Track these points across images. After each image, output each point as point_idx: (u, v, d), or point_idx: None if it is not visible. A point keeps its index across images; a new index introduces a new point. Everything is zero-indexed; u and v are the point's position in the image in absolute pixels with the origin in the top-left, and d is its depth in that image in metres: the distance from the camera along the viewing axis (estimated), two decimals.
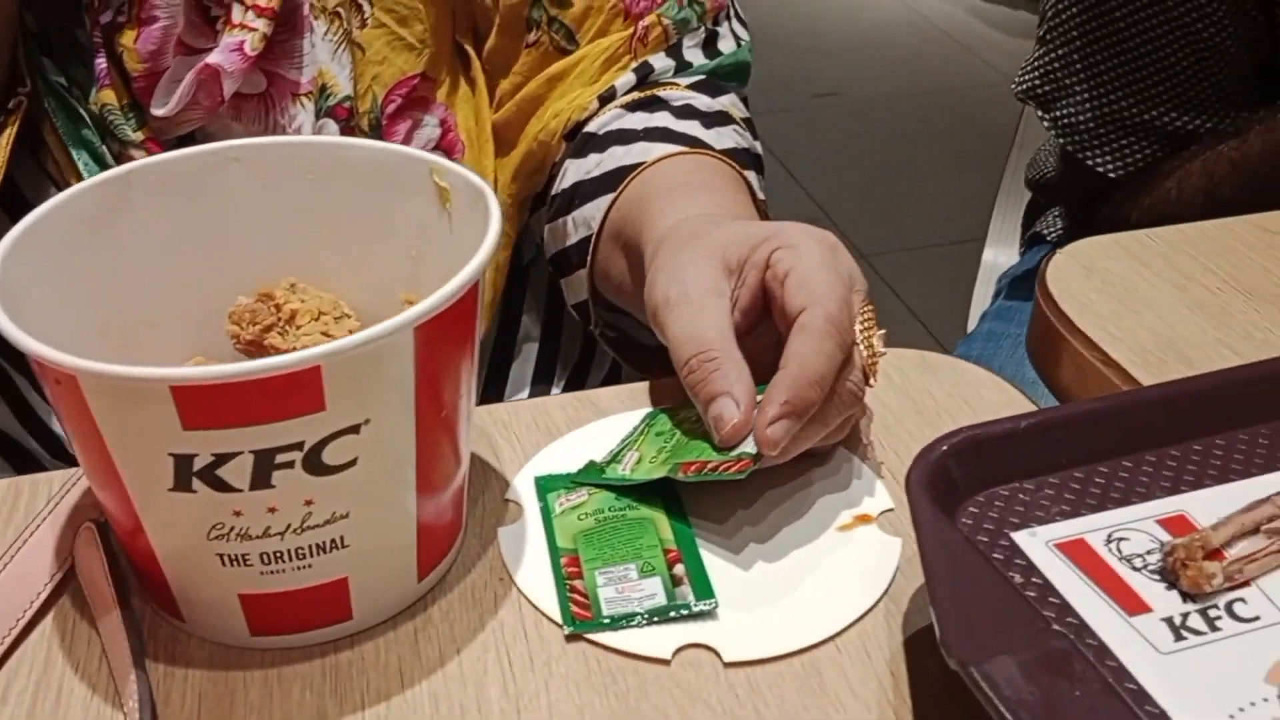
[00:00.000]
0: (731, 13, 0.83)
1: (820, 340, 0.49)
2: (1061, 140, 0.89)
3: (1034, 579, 0.43)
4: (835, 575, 0.49)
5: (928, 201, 2.62)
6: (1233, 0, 0.80)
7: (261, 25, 0.69)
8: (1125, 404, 0.49)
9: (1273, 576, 0.43)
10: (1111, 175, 0.87)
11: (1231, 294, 0.60)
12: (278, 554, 0.43)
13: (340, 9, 0.72)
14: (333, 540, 0.43)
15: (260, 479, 0.40)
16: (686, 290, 0.53)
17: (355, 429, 0.41)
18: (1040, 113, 0.90)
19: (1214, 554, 0.43)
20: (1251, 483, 0.47)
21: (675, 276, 0.54)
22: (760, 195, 0.74)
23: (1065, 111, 0.88)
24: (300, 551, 0.43)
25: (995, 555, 0.44)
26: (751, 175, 0.73)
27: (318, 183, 0.51)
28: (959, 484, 0.46)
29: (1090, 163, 0.88)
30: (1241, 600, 0.42)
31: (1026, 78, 0.90)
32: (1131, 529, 0.45)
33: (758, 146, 0.78)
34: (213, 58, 0.69)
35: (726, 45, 0.80)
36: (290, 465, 0.40)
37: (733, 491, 0.53)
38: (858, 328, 0.51)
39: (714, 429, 0.50)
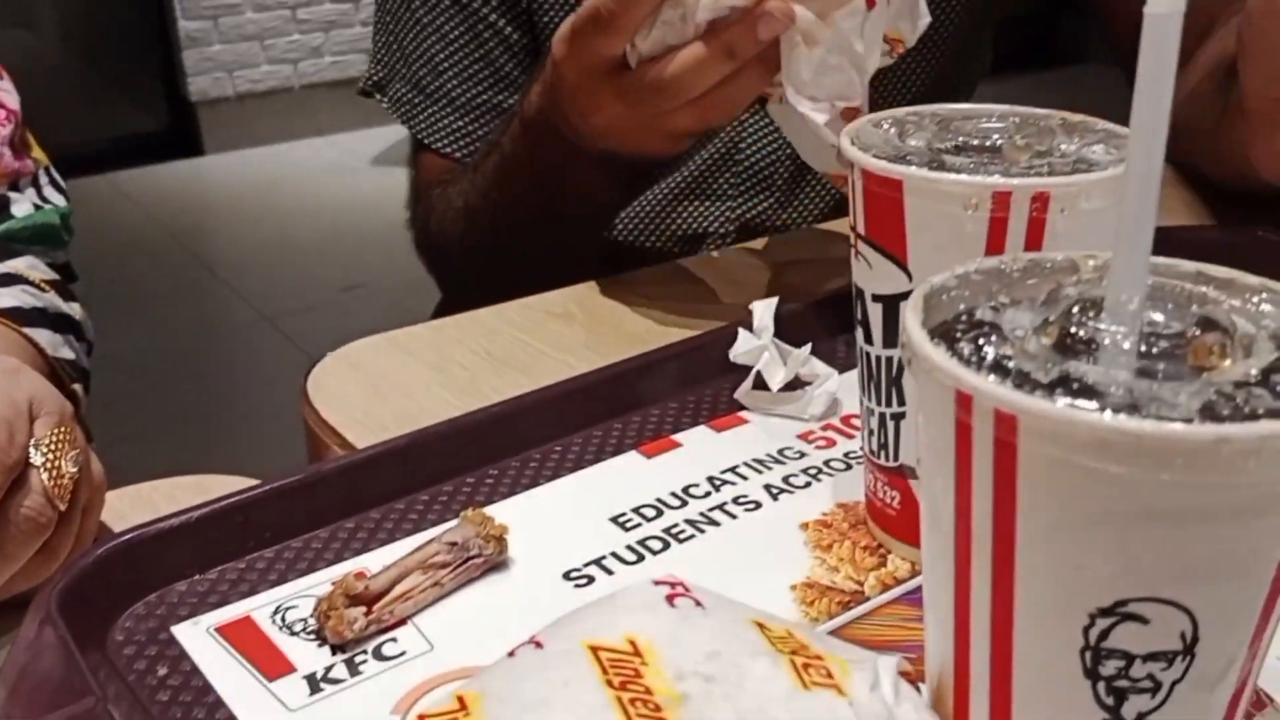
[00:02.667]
0: (44, 180, 0.80)
1: None
2: (401, 121, 0.88)
3: (183, 667, 0.40)
4: None
5: None
6: None
7: None
8: (311, 478, 0.48)
9: (430, 611, 0.43)
10: (458, 156, 0.86)
11: (483, 366, 0.63)
12: None
13: None
14: None
15: None
16: None
17: None
18: (379, 97, 0.90)
19: (373, 598, 0.42)
20: (427, 533, 0.47)
21: None
22: (56, 352, 0.70)
23: (397, 90, 0.88)
24: None
25: (148, 653, 0.41)
26: (39, 332, 0.69)
27: None
28: (109, 591, 0.43)
29: (428, 142, 0.87)
30: (393, 640, 0.42)
31: (366, 72, 0.91)
32: (304, 596, 0.44)
33: (60, 305, 0.74)
34: None
35: (22, 209, 0.77)
36: None
37: None
38: (39, 451, 0.48)
39: None
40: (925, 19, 0.62)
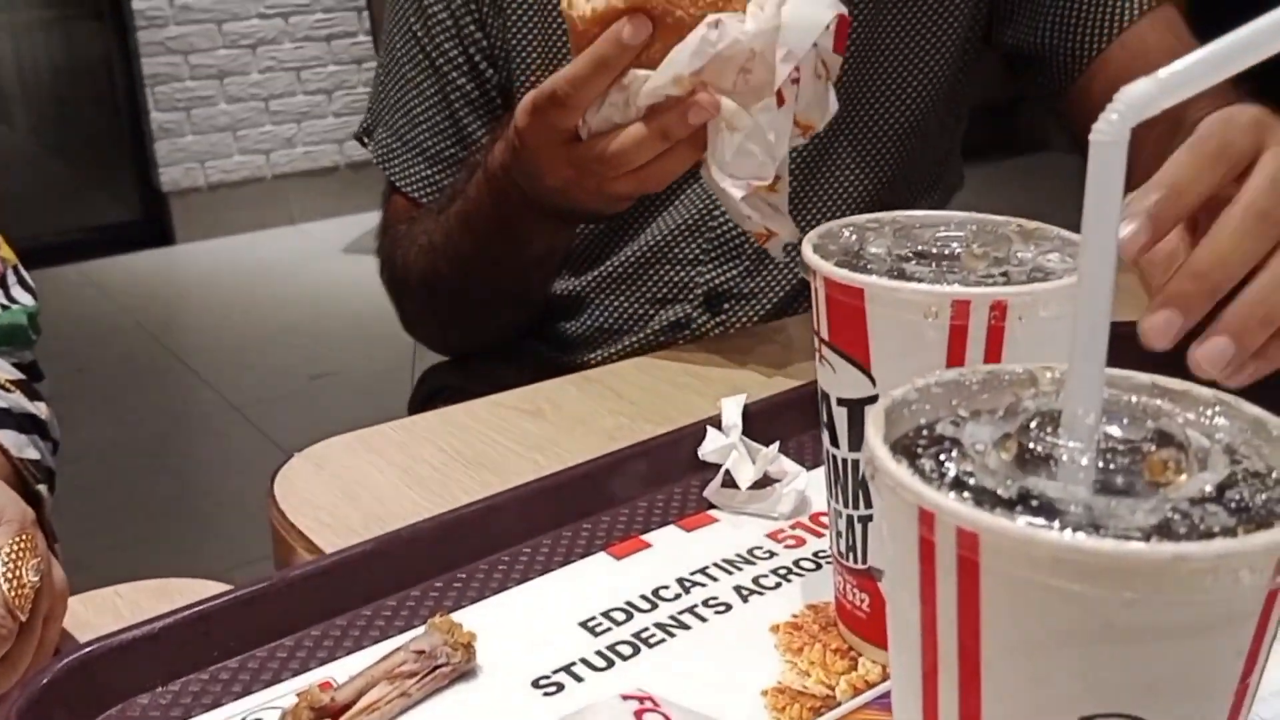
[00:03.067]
0: (12, 280, 0.80)
1: None
2: (379, 164, 0.94)
3: None
4: None
5: None
6: (458, 39, 0.89)
7: None
8: (276, 585, 0.48)
9: None
10: (424, 201, 0.92)
11: (455, 466, 0.63)
12: None
13: None
14: None
15: None
16: None
17: None
18: (366, 140, 0.96)
19: (338, 711, 0.42)
20: (394, 640, 0.47)
21: None
22: (20, 453, 0.70)
23: (379, 135, 0.94)
24: None
25: None
26: (3, 433, 0.68)
27: None
28: (69, 707, 0.42)
29: (400, 186, 0.93)
30: None
31: (362, 119, 0.97)
32: (269, 708, 0.43)
33: (25, 404, 0.74)
34: None
35: None
36: None
37: None
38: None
39: None
40: (833, 108, 0.72)
